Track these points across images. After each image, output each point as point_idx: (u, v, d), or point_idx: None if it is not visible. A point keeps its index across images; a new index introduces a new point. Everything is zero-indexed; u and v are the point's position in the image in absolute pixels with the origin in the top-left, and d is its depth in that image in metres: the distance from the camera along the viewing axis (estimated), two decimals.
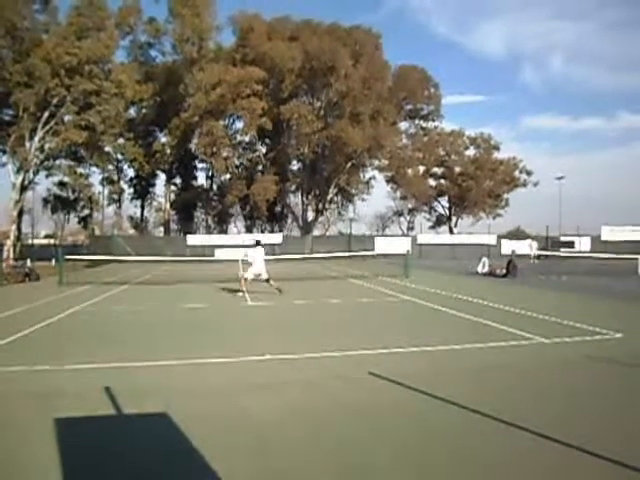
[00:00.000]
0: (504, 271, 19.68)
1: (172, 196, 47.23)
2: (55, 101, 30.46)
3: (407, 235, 45.25)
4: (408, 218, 56.37)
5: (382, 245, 35.29)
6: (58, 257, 18.55)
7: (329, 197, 45.04)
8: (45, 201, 43.87)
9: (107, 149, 40.19)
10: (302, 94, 41.15)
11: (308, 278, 19.33)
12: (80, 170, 42.09)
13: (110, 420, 4.29)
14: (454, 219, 52.55)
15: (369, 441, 3.76)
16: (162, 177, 47.38)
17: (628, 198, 79.26)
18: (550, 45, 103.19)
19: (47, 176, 40.50)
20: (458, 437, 3.85)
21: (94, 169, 43.00)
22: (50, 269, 21.42)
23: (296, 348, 6.91)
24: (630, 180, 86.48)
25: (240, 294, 13.37)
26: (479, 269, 21.28)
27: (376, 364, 5.95)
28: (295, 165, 45.60)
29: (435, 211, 53.62)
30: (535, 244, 32.94)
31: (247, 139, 43.79)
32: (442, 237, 42.62)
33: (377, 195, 71.06)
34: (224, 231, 45.03)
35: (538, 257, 32.23)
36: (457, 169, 50.12)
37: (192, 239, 36.54)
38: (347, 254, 29.24)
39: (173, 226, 48.40)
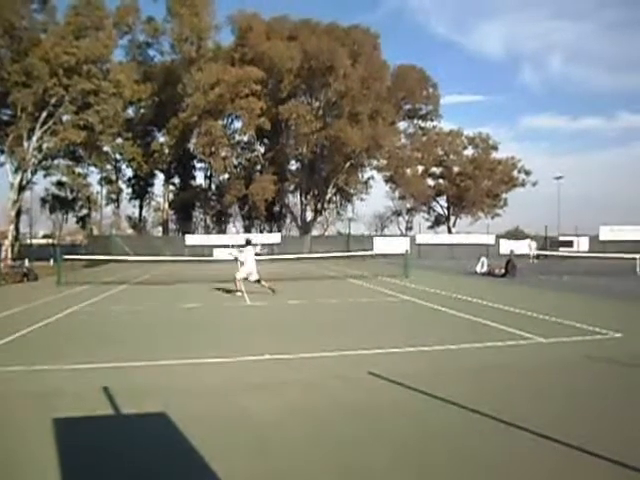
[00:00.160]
0: (503, 271, 19.70)
1: (170, 196, 47.21)
2: (53, 101, 30.42)
3: (406, 235, 45.30)
4: (407, 218, 56.52)
5: (381, 245, 35.31)
6: (56, 257, 18.53)
7: (328, 197, 45.06)
8: (43, 201, 43.83)
9: (105, 149, 40.19)
10: (301, 94, 41.17)
11: (306, 278, 19.32)
12: (78, 170, 42.11)
13: (109, 420, 4.27)
14: (453, 219, 52.65)
15: (369, 441, 3.76)
16: (160, 177, 47.45)
17: (627, 198, 79.43)
18: (549, 45, 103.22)
19: (45, 176, 40.56)
20: (458, 437, 3.85)
21: (92, 169, 43.07)
22: (48, 269, 21.37)
23: (295, 348, 6.90)
24: (629, 180, 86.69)
25: (239, 294, 13.35)
26: (478, 269, 21.29)
27: (375, 364, 5.94)
28: (294, 165, 45.67)
29: (434, 211, 53.72)
30: (534, 244, 32.99)
31: (246, 139, 43.81)
32: (441, 237, 42.68)
33: (376, 195, 70.82)
34: (223, 231, 45.05)
35: (537, 257, 32.28)
36: (456, 169, 50.17)
37: (191, 239, 36.53)
38: (346, 254, 29.25)
39: (172, 226, 48.39)
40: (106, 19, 32.96)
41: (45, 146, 32.51)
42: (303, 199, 44.53)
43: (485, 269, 20.97)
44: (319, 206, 45.03)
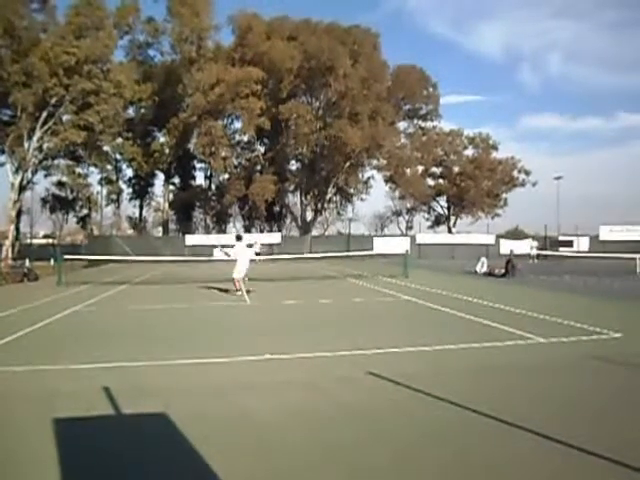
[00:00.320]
0: (503, 271, 19.71)
1: (171, 196, 47.21)
2: (53, 101, 30.39)
3: (406, 235, 45.28)
4: (407, 218, 56.53)
5: (381, 245, 35.31)
6: (57, 257, 18.54)
7: (328, 197, 45.06)
8: (44, 201, 43.85)
9: (106, 149, 40.18)
10: (301, 94, 41.16)
11: (306, 278, 19.33)
12: (79, 170, 42.17)
13: (109, 420, 4.27)
14: (453, 219, 52.61)
15: (368, 441, 3.76)
16: (161, 177, 47.45)
17: (626, 198, 79.48)
18: (549, 45, 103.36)
19: (46, 176, 40.61)
20: (457, 437, 3.85)
21: (92, 169, 43.05)
22: (49, 269, 21.37)
23: (295, 348, 6.90)
24: (628, 180, 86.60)
25: (239, 293, 13.35)
26: (478, 269, 21.30)
27: (375, 364, 5.94)
28: (294, 165, 45.68)
29: (434, 211, 53.69)
30: (535, 244, 33.01)
31: (246, 139, 43.85)
32: (441, 237, 42.67)
33: (376, 195, 71.03)
34: (223, 231, 45.03)
35: (537, 257, 32.28)
36: (456, 169, 50.15)
37: (191, 239, 36.56)
38: (346, 254, 29.25)
39: (172, 226, 48.39)
40: (106, 19, 32.93)
41: (45, 146, 32.50)
42: (303, 199, 44.53)
43: (485, 269, 20.97)
44: (319, 206, 45.03)
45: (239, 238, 14.43)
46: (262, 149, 44.35)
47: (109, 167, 44.68)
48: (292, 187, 45.14)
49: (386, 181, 49.43)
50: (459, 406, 4.45)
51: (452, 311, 10.30)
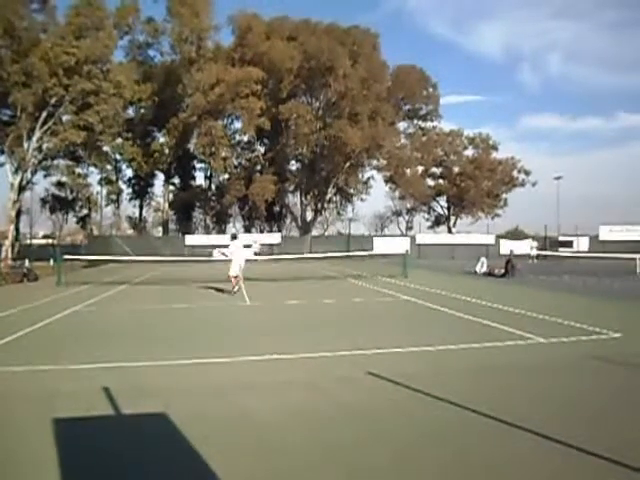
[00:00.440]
0: (502, 271, 19.71)
1: (170, 196, 47.19)
2: (53, 101, 30.38)
3: (406, 235, 45.29)
4: (407, 218, 56.54)
5: (381, 245, 35.32)
6: (56, 257, 18.53)
7: (328, 197, 45.06)
8: (43, 201, 43.85)
9: (105, 149, 40.15)
10: (301, 94, 41.17)
11: (306, 278, 19.33)
12: (78, 170, 42.18)
13: (109, 420, 4.27)
14: (453, 219, 52.62)
15: (368, 441, 3.76)
16: (160, 177, 47.43)
17: (626, 198, 79.47)
18: (549, 45, 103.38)
19: (45, 176, 40.58)
20: (457, 437, 3.85)
21: (92, 169, 43.08)
22: (48, 269, 21.37)
23: (295, 348, 6.90)
24: (628, 180, 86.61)
25: (239, 294, 13.35)
26: (478, 269, 21.30)
27: (375, 364, 5.95)
28: (294, 165, 45.69)
29: (434, 211, 53.69)
30: (535, 244, 33.02)
31: (246, 139, 43.86)
32: (441, 237, 42.67)
33: (376, 195, 71.11)
34: (223, 231, 45.02)
35: (537, 257, 32.30)
36: (456, 169, 50.15)
37: (190, 239, 36.56)
38: (346, 254, 29.26)
39: (172, 226, 48.36)
40: (106, 19, 32.89)
41: (45, 146, 32.48)
42: (303, 199, 44.53)
43: (485, 269, 20.98)
44: (319, 206, 45.04)
45: (234, 237, 14.52)
46: (262, 149, 44.35)
47: (109, 167, 44.68)
48: (292, 187, 45.14)
49: (386, 181, 49.45)
50: (459, 406, 4.45)
51: (452, 311, 10.30)
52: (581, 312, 10.23)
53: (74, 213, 45.03)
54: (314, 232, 45.43)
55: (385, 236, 43.45)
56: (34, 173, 35.77)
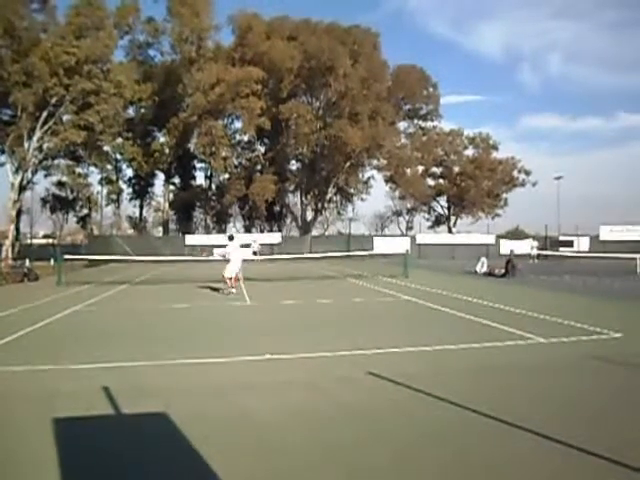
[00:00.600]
0: (503, 271, 19.70)
1: (171, 196, 47.21)
2: (54, 101, 30.41)
3: (406, 235, 45.29)
4: (407, 218, 56.53)
5: (381, 245, 35.33)
6: (57, 257, 18.53)
7: (328, 197, 45.07)
8: (44, 201, 43.89)
9: (106, 149, 40.20)
10: (301, 94, 41.19)
11: (306, 278, 19.33)
12: (79, 170, 42.25)
13: (109, 420, 4.27)
14: (453, 219, 52.62)
15: (368, 441, 3.76)
16: (161, 177, 47.46)
17: (626, 198, 79.46)
18: (549, 45, 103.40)
19: (46, 176, 40.67)
20: (457, 437, 3.85)
21: (93, 169, 43.14)
22: (49, 269, 21.36)
23: (295, 348, 6.90)
24: (628, 180, 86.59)
25: (239, 293, 13.35)
26: (478, 269, 21.30)
27: (375, 364, 5.94)
28: (294, 165, 45.72)
29: (434, 211, 53.70)
30: (536, 243, 33.02)
31: (246, 139, 43.88)
32: (441, 237, 42.68)
33: (376, 195, 70.85)
34: (223, 231, 45.01)
35: (537, 257, 32.29)
36: (456, 169, 50.16)
37: (191, 239, 36.56)
38: (346, 254, 29.25)
39: (172, 226, 48.39)
40: (106, 19, 32.94)
41: (45, 146, 32.51)
42: (303, 199, 44.54)
43: (485, 269, 20.97)
44: (319, 206, 45.05)
45: (231, 238, 14.54)
46: (262, 149, 44.37)
47: (109, 167, 44.71)
48: (292, 187, 45.17)
49: (386, 181, 49.47)
50: (459, 406, 4.45)
51: (452, 311, 10.29)
52: (581, 312, 10.23)
53: (74, 213, 45.10)
54: (314, 232, 45.49)
55: (385, 236, 43.45)
56: (34, 173, 35.88)
